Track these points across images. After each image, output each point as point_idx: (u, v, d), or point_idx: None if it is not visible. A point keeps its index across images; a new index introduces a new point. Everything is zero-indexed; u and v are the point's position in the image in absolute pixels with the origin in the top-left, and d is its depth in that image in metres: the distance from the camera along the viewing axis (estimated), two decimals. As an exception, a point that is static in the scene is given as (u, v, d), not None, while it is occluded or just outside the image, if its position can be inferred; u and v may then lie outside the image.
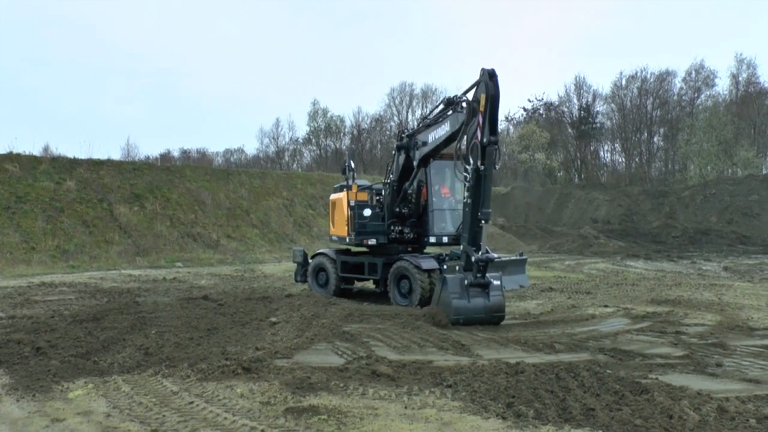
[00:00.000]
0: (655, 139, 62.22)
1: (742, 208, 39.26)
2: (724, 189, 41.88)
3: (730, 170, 52.31)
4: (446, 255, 13.96)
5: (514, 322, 11.54)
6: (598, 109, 63.59)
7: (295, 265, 16.00)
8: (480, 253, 10.77)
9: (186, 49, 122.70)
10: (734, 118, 53.00)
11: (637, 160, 62.35)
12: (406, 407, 6.00)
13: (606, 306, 13.21)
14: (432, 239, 13.76)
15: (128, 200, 28.16)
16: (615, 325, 11.01)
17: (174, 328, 9.99)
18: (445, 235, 13.68)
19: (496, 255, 11.06)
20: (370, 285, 15.03)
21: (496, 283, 11.03)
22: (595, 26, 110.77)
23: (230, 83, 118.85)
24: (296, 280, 16.00)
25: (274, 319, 10.70)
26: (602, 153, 66.80)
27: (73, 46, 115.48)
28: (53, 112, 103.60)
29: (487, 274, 10.93)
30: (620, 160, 65.25)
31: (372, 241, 14.36)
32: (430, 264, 13.01)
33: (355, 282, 15.33)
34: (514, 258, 15.11)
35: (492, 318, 10.91)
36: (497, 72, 10.54)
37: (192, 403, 6.17)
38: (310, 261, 15.48)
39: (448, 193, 14.10)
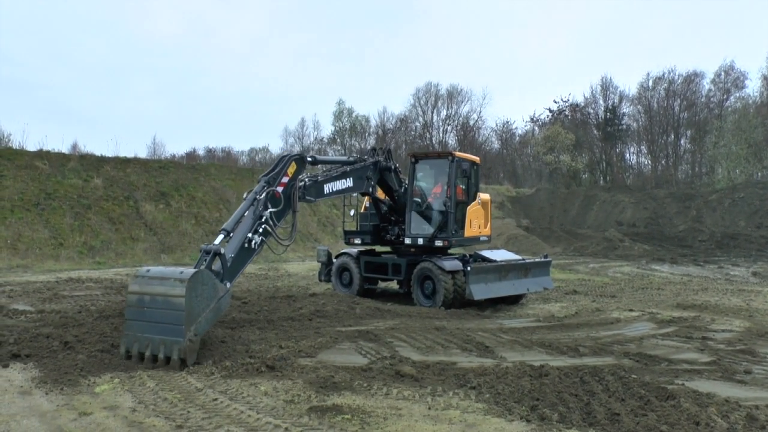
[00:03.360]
0: (682, 142, 61.38)
1: (772, 212, 38.61)
2: (754, 193, 41.18)
3: (759, 174, 51.40)
4: (470, 256, 13.96)
5: (538, 324, 11.47)
6: (624, 110, 62.99)
7: (319, 264, 16.06)
8: None
9: (209, 46, 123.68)
10: (765, 120, 52.06)
11: (663, 162, 61.59)
12: (429, 408, 5.99)
13: (631, 310, 13.08)
14: (408, 240, 13.90)
15: (154, 198, 28.44)
16: (640, 330, 10.89)
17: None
18: (421, 237, 13.72)
19: None
20: (393, 285, 15.03)
21: None
22: (622, 26, 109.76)
23: (255, 82, 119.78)
24: (320, 280, 16.06)
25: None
26: (628, 155, 66.18)
27: (96, 44, 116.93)
28: (81, 111, 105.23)
29: None
30: (646, 162, 64.59)
31: (357, 241, 14.98)
32: (453, 265, 13.01)
33: (379, 282, 15.37)
34: (538, 260, 15.08)
35: None
36: (305, 158, 11.33)
37: (216, 400, 6.21)
38: (334, 260, 15.53)
39: (428, 195, 14.33)
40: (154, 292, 7.87)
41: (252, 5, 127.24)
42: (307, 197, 11.56)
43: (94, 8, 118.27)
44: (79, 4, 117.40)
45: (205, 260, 8.60)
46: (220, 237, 9.16)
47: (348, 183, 12.90)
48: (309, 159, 11.65)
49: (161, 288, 7.83)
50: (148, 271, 8.20)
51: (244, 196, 10.12)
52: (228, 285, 8.77)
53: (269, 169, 10.67)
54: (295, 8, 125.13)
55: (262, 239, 9.76)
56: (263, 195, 9.95)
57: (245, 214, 9.69)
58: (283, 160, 10.72)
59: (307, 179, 11.64)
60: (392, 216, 14.80)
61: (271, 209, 10.02)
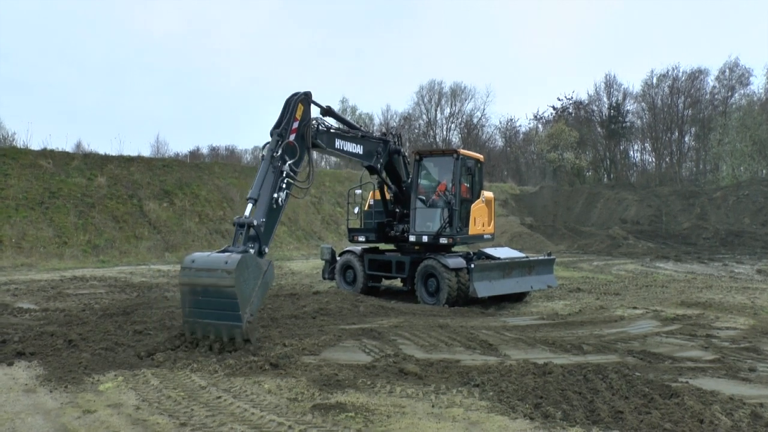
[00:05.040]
0: (686, 139, 61.31)
1: (777, 209, 38.52)
2: (758, 190, 41.06)
3: (764, 171, 51.25)
4: (474, 254, 13.95)
5: (541, 322, 11.46)
6: (628, 107, 62.85)
7: (323, 262, 16.07)
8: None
9: (212, 44, 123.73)
10: (769, 117, 51.96)
11: (667, 159, 61.46)
12: (433, 406, 5.99)
13: (635, 308, 13.06)
14: (412, 238, 13.86)
15: (158, 196, 28.50)
16: (644, 327, 10.87)
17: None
18: (426, 234, 13.69)
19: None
20: (397, 283, 15.03)
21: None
22: (626, 24, 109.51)
23: (258, 80, 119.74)
24: (324, 278, 16.06)
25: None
26: (632, 152, 66.04)
27: (99, 43, 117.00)
28: (84, 110, 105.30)
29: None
30: (650, 159, 64.45)
31: (361, 238, 14.91)
32: (457, 263, 13.00)
33: (383, 280, 15.37)
34: (541, 258, 15.06)
35: None
36: (310, 94, 10.98)
37: (220, 397, 6.22)
38: (337, 258, 15.54)
39: (433, 192, 14.23)
40: (205, 283, 8.22)
41: (255, 3, 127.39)
42: (318, 141, 11.35)
43: (96, 6, 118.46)
44: (81, 2, 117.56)
45: (241, 234, 9.00)
46: (249, 206, 9.39)
47: (358, 149, 12.83)
48: (325, 107, 11.58)
49: (210, 279, 8.17)
50: (193, 261, 8.44)
51: (261, 155, 10.19)
52: (266, 250, 9.32)
53: (278, 119, 10.49)
54: (299, 5, 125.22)
55: (286, 193, 10.03)
56: (279, 151, 10.01)
57: (266, 175, 9.79)
58: (289, 106, 10.53)
59: (320, 120, 11.52)
60: (397, 208, 14.71)
61: (289, 161, 10.14)
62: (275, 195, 9.76)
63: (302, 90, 10.78)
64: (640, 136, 63.70)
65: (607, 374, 6.91)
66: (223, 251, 8.73)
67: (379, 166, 13.49)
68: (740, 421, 5.51)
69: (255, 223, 9.10)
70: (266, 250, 9.33)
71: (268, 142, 10.19)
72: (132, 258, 23.91)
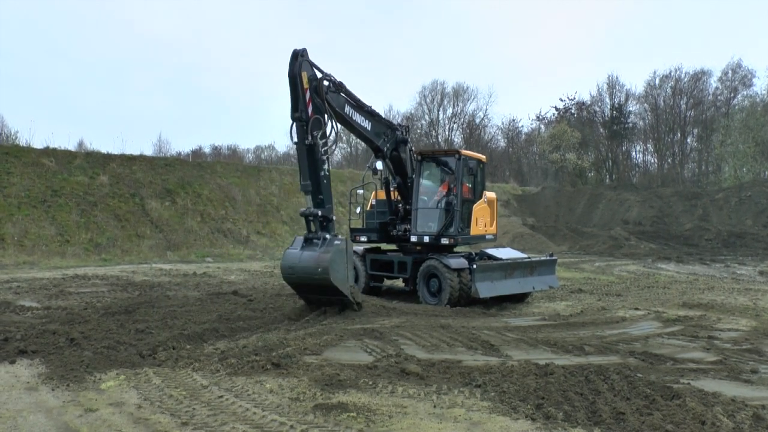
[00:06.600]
0: (689, 140, 61.25)
1: (779, 211, 38.46)
2: (761, 191, 41.01)
3: (767, 172, 51.21)
4: (476, 254, 13.94)
5: (543, 323, 11.45)
6: (630, 108, 62.71)
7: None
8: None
9: (214, 43, 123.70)
10: (772, 119, 51.86)
11: (669, 160, 61.40)
12: (435, 406, 5.99)
13: (637, 309, 13.04)
14: (414, 238, 13.84)
15: (160, 195, 28.52)
16: (646, 329, 10.86)
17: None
18: (427, 235, 13.66)
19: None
20: (399, 283, 15.02)
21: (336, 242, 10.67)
22: (628, 24, 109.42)
23: (261, 79, 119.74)
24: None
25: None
26: (634, 153, 65.96)
27: (101, 41, 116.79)
28: (87, 108, 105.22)
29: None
30: (652, 160, 64.39)
31: (363, 238, 14.91)
32: (459, 263, 12.99)
33: (385, 280, 15.36)
34: (543, 258, 15.05)
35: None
36: (306, 52, 10.88)
37: (222, 397, 6.23)
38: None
39: (435, 193, 14.19)
40: (307, 283, 10.59)
41: (258, 2, 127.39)
42: (329, 98, 11.21)
43: (99, 5, 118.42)
44: (83, 1, 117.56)
45: (312, 221, 10.69)
46: (309, 196, 10.74)
47: (366, 124, 12.76)
48: (338, 82, 11.55)
49: (312, 282, 10.45)
50: (291, 268, 10.52)
51: (293, 142, 10.81)
52: (333, 217, 10.97)
53: (291, 100, 10.62)
54: (302, 4, 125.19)
55: (327, 159, 11.00)
56: (309, 137, 10.50)
57: (307, 162, 10.61)
58: (295, 81, 10.57)
59: (333, 80, 11.40)
60: (400, 203, 14.64)
61: (318, 134, 10.65)
62: (321, 173, 10.81)
63: (294, 55, 10.75)
64: (642, 137, 63.67)
65: (608, 375, 6.91)
66: (307, 242, 10.62)
67: (386, 149, 13.39)
68: (742, 423, 5.50)
69: (319, 213, 10.63)
70: (333, 217, 10.98)
71: (292, 125, 10.65)
72: (134, 256, 23.93)
